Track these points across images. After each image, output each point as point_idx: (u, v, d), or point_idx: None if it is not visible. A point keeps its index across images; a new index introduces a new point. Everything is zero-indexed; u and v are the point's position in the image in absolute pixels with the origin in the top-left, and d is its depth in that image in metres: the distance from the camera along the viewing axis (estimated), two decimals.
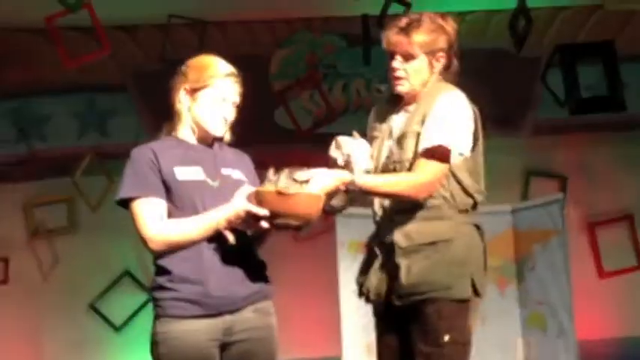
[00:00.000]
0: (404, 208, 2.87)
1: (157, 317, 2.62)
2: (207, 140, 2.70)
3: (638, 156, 6.37)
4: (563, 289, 5.04)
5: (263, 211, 2.49)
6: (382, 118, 3.02)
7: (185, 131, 2.68)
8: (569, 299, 5.08)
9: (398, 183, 2.81)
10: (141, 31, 6.20)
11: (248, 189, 2.56)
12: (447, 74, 2.94)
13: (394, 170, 2.88)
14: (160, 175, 2.60)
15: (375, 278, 2.94)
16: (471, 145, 2.86)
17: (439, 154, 2.80)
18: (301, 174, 2.58)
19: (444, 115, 2.82)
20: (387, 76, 2.96)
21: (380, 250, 2.94)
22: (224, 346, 2.63)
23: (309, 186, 2.55)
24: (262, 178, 2.64)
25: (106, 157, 6.03)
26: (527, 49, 6.00)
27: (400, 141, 2.89)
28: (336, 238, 5.15)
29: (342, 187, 2.75)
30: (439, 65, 2.91)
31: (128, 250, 5.98)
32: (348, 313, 4.96)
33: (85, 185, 6.01)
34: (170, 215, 2.60)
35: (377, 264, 2.95)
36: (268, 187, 2.51)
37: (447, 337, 2.80)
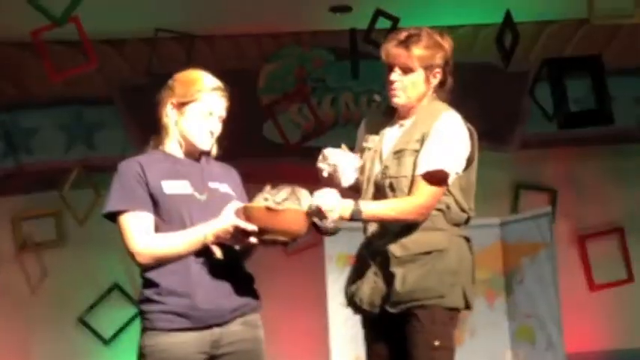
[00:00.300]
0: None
1: (144, 330, 2.65)
2: (195, 154, 2.74)
3: (627, 169, 6.44)
4: (551, 302, 5.11)
5: (251, 227, 2.54)
6: (375, 129, 3.07)
7: (172, 145, 2.73)
8: (557, 312, 5.14)
9: (401, 209, 2.88)
10: (128, 45, 6.25)
11: (236, 204, 2.60)
12: (440, 91, 3.02)
13: (390, 185, 2.94)
14: (147, 189, 2.64)
15: (368, 288, 2.99)
16: (464, 164, 2.94)
17: (439, 177, 2.88)
18: (306, 196, 2.64)
19: (443, 138, 2.89)
20: (385, 88, 3.01)
21: (373, 259, 2.99)
22: (212, 358, 2.67)
23: (299, 202, 2.60)
24: (250, 193, 2.69)
25: (94, 171, 6.07)
26: (514, 64, 6.08)
27: (397, 156, 2.95)
28: (324, 252, 5.19)
29: (347, 217, 2.80)
30: (435, 81, 2.98)
31: (116, 264, 6.01)
32: (336, 325, 5.01)
33: (73, 199, 6.05)
34: (157, 229, 2.63)
35: (370, 273, 2.99)
36: (257, 202, 2.56)
37: (437, 342, 2.87)
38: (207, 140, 2.71)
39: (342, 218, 2.81)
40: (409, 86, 2.95)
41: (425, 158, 2.89)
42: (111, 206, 2.65)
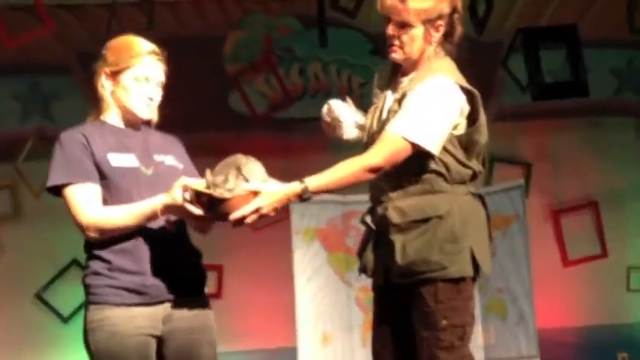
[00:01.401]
0: (397, 181, 2.87)
1: (90, 304, 2.66)
2: (136, 124, 2.74)
3: (602, 142, 6.55)
4: (523, 276, 5.21)
5: (197, 211, 2.54)
6: (383, 84, 3.00)
7: (112, 116, 2.72)
8: (529, 287, 5.25)
9: (346, 173, 2.78)
10: (86, 10, 6.20)
11: (184, 180, 2.58)
12: (447, 44, 2.89)
13: None
14: (93, 160, 2.64)
15: (372, 255, 2.95)
16: (446, 130, 2.82)
17: (396, 143, 2.78)
18: (254, 171, 2.61)
19: (419, 103, 2.79)
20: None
21: (375, 225, 2.95)
22: (162, 340, 2.69)
23: (248, 185, 2.57)
24: (212, 166, 2.68)
25: (51, 142, 6.00)
26: (488, 34, 6.13)
27: (388, 117, 2.89)
28: (291, 226, 5.24)
29: (296, 200, 2.75)
30: (438, 35, 2.84)
31: (75, 239, 5.87)
32: (303, 302, 5.07)
33: (29, 171, 6.01)
34: (104, 202, 2.64)
35: (372, 240, 2.96)
36: (201, 187, 2.54)
37: (444, 322, 2.82)
38: (145, 108, 2.70)
39: (291, 201, 2.75)
40: (407, 42, 2.83)
41: (395, 119, 2.82)
42: (56, 179, 2.65)
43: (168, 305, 2.67)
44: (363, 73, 6.34)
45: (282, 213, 5.83)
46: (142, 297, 2.64)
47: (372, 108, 3.01)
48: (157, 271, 2.65)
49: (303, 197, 2.75)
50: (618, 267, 6.46)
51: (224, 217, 2.55)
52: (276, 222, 6.07)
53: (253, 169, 2.62)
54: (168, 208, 2.58)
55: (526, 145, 6.59)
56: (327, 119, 3.07)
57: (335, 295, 5.21)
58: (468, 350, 2.90)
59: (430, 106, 2.81)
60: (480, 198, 2.96)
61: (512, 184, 5.52)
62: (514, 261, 5.24)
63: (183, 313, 2.69)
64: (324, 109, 3.07)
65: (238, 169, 2.56)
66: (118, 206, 2.63)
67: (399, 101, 2.87)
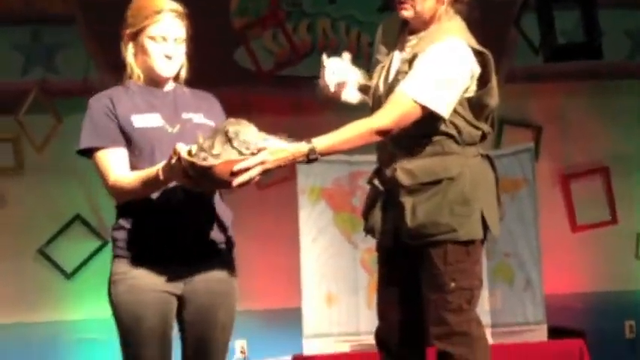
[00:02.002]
0: (407, 143, 2.89)
1: (115, 257, 2.76)
2: (162, 83, 2.80)
3: (615, 106, 6.53)
4: (531, 241, 5.22)
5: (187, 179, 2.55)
6: (388, 41, 3.00)
7: (139, 77, 2.79)
8: (537, 252, 5.26)
9: (355, 134, 2.80)
10: None
11: (178, 146, 2.57)
12: (457, 3, 2.92)
13: None
14: (118, 123, 2.72)
15: (380, 216, 2.99)
16: (459, 92, 2.84)
17: (407, 105, 2.80)
18: (249, 133, 2.59)
19: (432, 65, 2.80)
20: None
21: (383, 186, 2.98)
22: (182, 300, 2.75)
23: (237, 147, 2.55)
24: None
25: (53, 94, 6.05)
26: None
27: (396, 78, 2.89)
28: (297, 185, 5.25)
29: (302, 159, 2.76)
30: None
31: (78, 194, 6.03)
32: (307, 262, 5.09)
33: (31, 124, 6.02)
34: (131, 164, 2.72)
35: (380, 201, 2.99)
36: (187, 151, 2.55)
37: (452, 284, 2.87)
38: (165, 66, 2.75)
39: (297, 161, 2.75)
40: (417, 0, 2.85)
41: (405, 80, 2.82)
42: (83, 143, 2.74)
43: (190, 267, 2.72)
44: (371, 31, 6.28)
45: (288, 172, 5.88)
46: (165, 255, 2.69)
47: (379, 67, 3.00)
48: (181, 232, 2.71)
49: (309, 158, 2.77)
50: (628, 234, 6.47)
51: (215, 183, 2.55)
52: (281, 181, 6.11)
53: (244, 132, 2.59)
54: (165, 173, 2.60)
55: (537, 107, 6.57)
56: (328, 80, 3.01)
57: (340, 256, 5.23)
58: (475, 314, 2.93)
59: (442, 68, 2.82)
60: (489, 159, 2.99)
61: (521, 147, 5.50)
62: (522, 225, 5.24)
63: (206, 276, 2.75)
64: (324, 70, 3.05)
65: (226, 134, 2.55)
66: (136, 172, 2.69)
67: (409, 62, 2.86)
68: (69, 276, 6.07)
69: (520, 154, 5.41)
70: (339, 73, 3.00)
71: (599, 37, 5.98)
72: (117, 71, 5.78)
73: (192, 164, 2.49)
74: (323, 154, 2.80)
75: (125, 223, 2.74)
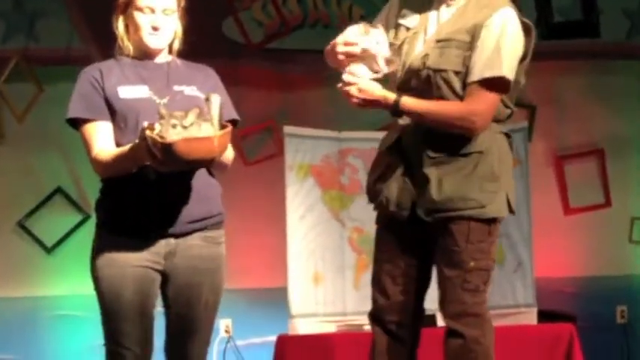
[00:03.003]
0: None
1: (97, 231, 2.80)
2: (153, 56, 2.81)
3: (611, 87, 6.53)
4: (522, 222, 5.24)
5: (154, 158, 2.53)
6: (415, 5, 2.97)
7: (132, 50, 2.81)
8: (529, 234, 5.29)
9: (450, 110, 2.82)
10: None
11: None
12: None
13: (427, 78, 2.86)
14: (104, 95, 2.73)
15: (396, 187, 2.93)
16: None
17: (500, 85, 2.83)
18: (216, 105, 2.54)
19: (502, 40, 2.81)
20: None
21: (403, 157, 2.93)
22: (166, 276, 2.75)
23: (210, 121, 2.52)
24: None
25: (35, 63, 6.01)
26: None
27: (441, 45, 2.86)
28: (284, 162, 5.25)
29: (385, 105, 2.81)
30: None
31: (60, 166, 6.01)
32: (294, 241, 5.10)
33: (11, 92, 5.98)
34: (117, 137, 2.74)
35: (399, 172, 2.94)
36: (149, 129, 2.53)
37: (472, 263, 2.86)
38: (152, 38, 2.77)
39: (381, 104, 2.80)
40: None
41: (482, 62, 2.82)
42: (70, 112, 2.77)
43: (171, 240, 2.72)
44: (364, 3, 6.28)
45: (276, 148, 5.86)
46: (145, 229, 2.70)
47: (409, 33, 2.94)
48: (161, 206, 2.71)
49: (393, 106, 2.80)
50: (621, 217, 6.49)
51: (178, 163, 2.48)
52: (269, 158, 6.11)
53: (216, 106, 2.58)
54: (133, 151, 2.61)
55: (531, 86, 6.50)
56: (375, 50, 2.87)
57: (327, 235, 5.24)
58: (487, 296, 2.93)
59: (511, 40, 2.84)
60: (508, 138, 2.98)
61: (515, 127, 5.50)
62: None
63: (188, 252, 2.74)
64: (354, 30, 2.88)
65: (202, 108, 2.53)
66: (112, 147, 2.72)
67: (469, 32, 2.82)
68: (49, 250, 6.05)
69: (513, 134, 5.39)
70: (383, 45, 2.91)
71: (596, 16, 5.98)
72: (101, 41, 5.75)
73: (153, 140, 2.46)
74: (407, 111, 2.82)
75: (107, 197, 2.76)
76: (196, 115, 2.48)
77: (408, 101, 2.82)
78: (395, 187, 2.93)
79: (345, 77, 2.86)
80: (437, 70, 2.85)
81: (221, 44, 6.14)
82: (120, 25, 2.78)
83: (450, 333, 2.93)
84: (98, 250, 2.74)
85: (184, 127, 2.45)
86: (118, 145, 2.71)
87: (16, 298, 5.91)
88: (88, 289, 2.91)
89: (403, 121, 2.95)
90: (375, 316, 3.09)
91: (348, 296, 5.26)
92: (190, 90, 2.77)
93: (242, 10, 6.24)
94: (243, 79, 6.06)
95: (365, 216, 5.42)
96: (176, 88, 2.76)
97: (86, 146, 2.75)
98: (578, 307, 5.95)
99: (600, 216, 6.49)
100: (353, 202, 5.38)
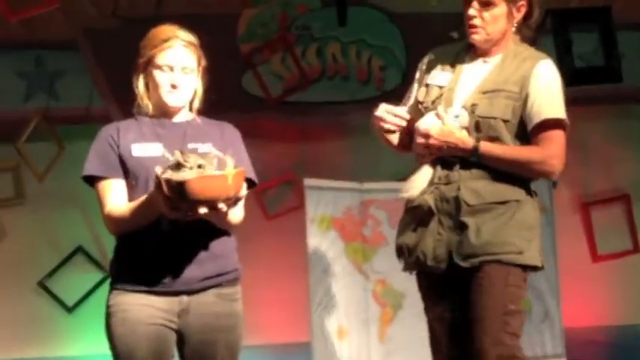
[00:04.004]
0: (471, 164, 2.93)
1: (111, 289, 2.79)
2: (172, 114, 2.83)
3: (635, 131, 6.53)
4: (550, 271, 5.21)
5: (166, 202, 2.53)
6: (444, 66, 3.07)
7: (150, 109, 2.83)
8: (556, 283, 5.25)
9: (529, 155, 2.90)
10: None
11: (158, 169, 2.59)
12: (524, 27, 3.04)
13: (476, 125, 2.93)
14: (118, 152, 2.76)
15: (432, 240, 2.95)
16: None
17: (562, 127, 2.92)
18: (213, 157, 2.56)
19: (554, 88, 2.93)
20: (462, 24, 3.03)
21: (438, 208, 2.96)
22: (181, 335, 2.75)
23: (207, 168, 2.55)
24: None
25: (56, 122, 6.09)
26: None
27: (489, 96, 2.94)
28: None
29: (463, 150, 2.87)
30: (519, 16, 2.99)
31: (80, 224, 6.06)
32: (317, 294, 5.08)
33: (32, 152, 6.06)
34: (129, 195, 2.75)
35: (433, 224, 2.96)
36: (162, 171, 2.54)
37: (512, 307, 2.87)
38: (171, 96, 2.79)
39: (459, 148, 2.87)
40: (490, 22, 2.95)
41: (541, 106, 2.91)
42: (85, 170, 2.79)
43: (184, 298, 2.72)
44: (384, 55, 6.34)
45: (297, 201, 5.87)
46: (158, 285, 2.71)
47: (446, 90, 3.02)
48: (174, 263, 2.71)
49: (471, 149, 2.87)
50: None
51: (192, 203, 2.48)
52: (290, 210, 6.12)
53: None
54: (148, 200, 2.63)
55: None
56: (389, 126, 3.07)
57: (351, 288, 5.22)
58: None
59: (559, 88, 2.97)
60: (536, 196, 3.05)
61: None
62: None
63: (202, 309, 2.74)
64: (384, 113, 3.09)
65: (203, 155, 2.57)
66: (130, 203, 2.73)
67: (519, 83, 2.92)
68: (70, 310, 6.08)
69: (538, 182, 5.41)
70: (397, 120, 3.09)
71: (618, 60, 6.00)
72: (121, 99, 5.83)
73: (167, 181, 2.49)
74: (485, 156, 2.89)
75: (120, 255, 2.78)
76: (209, 160, 2.52)
77: (487, 145, 2.89)
78: (430, 241, 2.96)
79: (421, 125, 2.95)
80: (486, 118, 2.93)
81: (240, 98, 6.21)
82: (140, 84, 2.81)
83: None
84: (111, 308, 2.73)
85: (198, 167, 2.49)
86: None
87: (37, 358, 5.92)
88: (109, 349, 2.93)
89: (437, 172, 2.98)
90: None
91: (373, 351, 5.22)
92: (206, 147, 2.77)
93: (261, 64, 6.31)
94: (263, 133, 6.11)
95: (388, 268, 5.42)
96: (191, 145, 2.77)
97: (100, 204, 2.77)
98: (610, 357, 5.88)
99: (629, 262, 6.45)
100: (376, 254, 5.37)
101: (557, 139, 2.91)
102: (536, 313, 5.23)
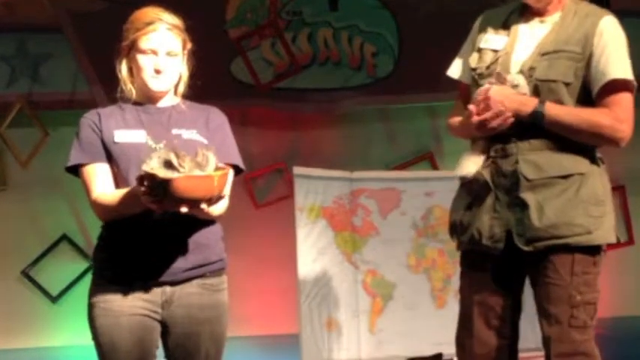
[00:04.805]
0: (534, 133, 2.79)
1: (93, 279, 2.80)
2: (156, 99, 2.82)
3: None
4: None
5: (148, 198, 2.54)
6: (497, 28, 2.94)
7: (134, 93, 2.82)
8: None
9: (597, 119, 2.73)
10: None
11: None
12: None
13: (534, 89, 2.80)
14: (101, 137, 2.76)
15: (488, 218, 2.82)
16: None
17: (630, 88, 2.78)
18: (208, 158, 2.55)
19: (619, 45, 2.78)
20: None
21: (495, 182, 2.83)
22: (165, 325, 2.76)
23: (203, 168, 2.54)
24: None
25: (40, 107, 6.08)
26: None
27: (548, 58, 2.82)
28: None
29: (525, 110, 2.73)
30: None
31: (65, 212, 6.06)
32: (306, 285, 5.10)
33: (15, 138, 6.05)
34: (115, 182, 2.76)
35: (489, 200, 2.83)
36: (146, 167, 2.53)
37: (578, 297, 2.75)
38: (154, 81, 2.78)
39: (520, 109, 2.73)
40: None
41: (607, 66, 2.76)
42: (70, 160, 2.79)
43: (167, 289, 2.73)
44: (376, 40, 6.34)
45: (286, 190, 5.87)
46: (140, 276, 2.72)
47: (502, 54, 2.88)
48: (157, 253, 2.72)
49: (534, 112, 2.73)
50: None
51: (177, 202, 2.49)
52: (279, 200, 6.13)
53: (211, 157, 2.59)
54: (133, 194, 2.61)
55: None
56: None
57: (340, 278, 5.24)
58: (594, 332, 2.83)
59: (625, 48, 2.82)
60: (604, 163, 2.91)
61: None
62: None
63: (185, 300, 2.74)
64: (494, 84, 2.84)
65: (196, 154, 2.55)
66: (111, 190, 2.73)
67: (581, 43, 2.79)
68: (55, 299, 6.09)
69: None
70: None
71: None
72: (107, 84, 5.81)
73: (152, 177, 2.49)
74: (550, 118, 2.73)
75: (103, 244, 2.78)
76: (192, 160, 2.50)
77: (553, 105, 2.74)
78: (487, 219, 2.82)
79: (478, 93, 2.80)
80: (545, 81, 2.80)
81: (229, 85, 6.20)
82: (123, 69, 2.80)
83: None
84: (93, 299, 2.73)
85: (183, 167, 2.49)
86: (116, 188, 2.75)
87: (20, 349, 5.93)
88: None
89: (497, 144, 2.84)
90: None
91: (363, 342, 5.24)
92: (189, 134, 2.77)
93: (250, 49, 6.30)
94: (253, 120, 6.11)
95: (379, 258, 5.45)
96: (175, 131, 2.76)
97: (86, 189, 2.76)
98: (606, 349, 5.88)
99: (624, 254, 6.47)
100: (366, 244, 5.39)
101: (625, 102, 2.76)
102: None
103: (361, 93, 6.19)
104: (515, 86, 2.81)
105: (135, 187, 2.60)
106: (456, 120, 3.01)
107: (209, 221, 2.78)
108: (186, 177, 2.49)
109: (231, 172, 2.67)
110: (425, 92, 6.06)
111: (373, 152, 6.28)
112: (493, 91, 2.78)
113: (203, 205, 2.53)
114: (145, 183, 2.51)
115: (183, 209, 2.52)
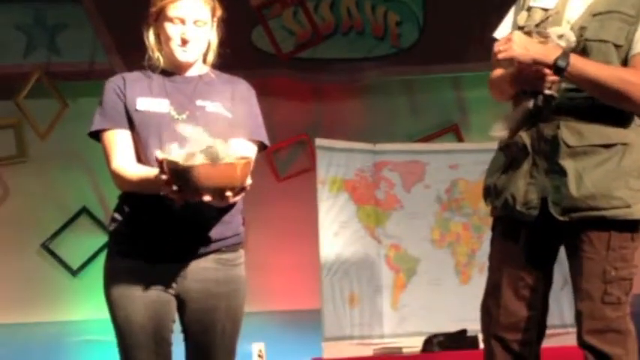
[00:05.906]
0: (574, 100, 2.75)
1: (109, 252, 2.84)
2: (183, 69, 2.82)
3: None
4: None
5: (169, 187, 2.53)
6: None
7: (161, 61, 2.82)
8: None
9: (626, 76, 2.67)
10: None
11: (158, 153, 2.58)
12: None
13: (583, 49, 2.74)
14: (124, 103, 2.77)
15: (524, 183, 2.77)
16: None
17: None
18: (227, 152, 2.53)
19: None
20: None
21: (533, 147, 2.78)
22: (181, 300, 2.79)
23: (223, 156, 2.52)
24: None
25: (57, 78, 6.11)
26: None
27: (600, 18, 2.76)
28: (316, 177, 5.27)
29: (548, 59, 2.67)
30: None
31: (85, 185, 6.10)
32: (328, 260, 5.12)
33: (33, 109, 6.08)
34: (135, 147, 2.76)
35: (526, 164, 2.78)
36: (167, 155, 2.54)
37: (613, 273, 2.71)
38: (181, 51, 2.77)
39: (540, 62, 2.66)
40: None
41: None
42: (92, 126, 2.79)
43: (182, 264, 2.75)
44: (400, 9, 6.31)
45: (308, 163, 5.89)
46: (157, 251, 2.75)
47: (553, 13, 2.84)
48: (174, 227, 2.73)
49: (557, 61, 2.67)
50: None
51: (198, 191, 2.49)
52: (300, 173, 6.15)
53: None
54: (154, 181, 2.59)
55: None
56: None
57: (363, 253, 5.27)
58: (629, 308, 2.80)
59: None
60: None
61: None
62: None
63: (201, 275, 2.77)
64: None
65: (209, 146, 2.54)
66: (133, 164, 2.74)
67: (636, 6, 2.75)
68: (75, 273, 6.14)
69: None
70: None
71: None
72: (125, 54, 5.83)
73: (174, 164, 2.49)
74: (573, 71, 2.66)
75: (120, 217, 2.79)
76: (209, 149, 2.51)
77: (579, 58, 2.66)
78: (522, 184, 2.77)
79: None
80: (595, 41, 2.74)
81: (250, 54, 6.19)
82: (151, 36, 2.79)
83: (591, 351, 2.77)
84: (108, 272, 2.77)
85: (204, 154, 2.49)
86: (137, 157, 2.76)
87: (40, 323, 6.00)
88: None
89: (538, 106, 2.79)
90: (494, 334, 2.89)
91: (385, 318, 5.28)
92: (213, 106, 2.77)
93: (271, 18, 6.29)
94: (274, 91, 6.11)
95: (402, 232, 5.46)
96: (199, 103, 2.76)
97: (106, 157, 2.76)
98: (638, 327, 5.90)
99: None
100: (389, 218, 5.41)
101: None
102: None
103: (385, 64, 6.17)
104: (560, 36, 2.74)
105: (156, 174, 2.59)
106: (496, 73, 2.94)
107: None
108: (209, 164, 2.50)
109: (253, 158, 2.63)
110: (450, 63, 6.03)
111: (397, 124, 6.27)
112: (516, 35, 2.72)
113: (228, 193, 2.52)
114: (166, 170, 2.52)
115: (206, 198, 2.52)
